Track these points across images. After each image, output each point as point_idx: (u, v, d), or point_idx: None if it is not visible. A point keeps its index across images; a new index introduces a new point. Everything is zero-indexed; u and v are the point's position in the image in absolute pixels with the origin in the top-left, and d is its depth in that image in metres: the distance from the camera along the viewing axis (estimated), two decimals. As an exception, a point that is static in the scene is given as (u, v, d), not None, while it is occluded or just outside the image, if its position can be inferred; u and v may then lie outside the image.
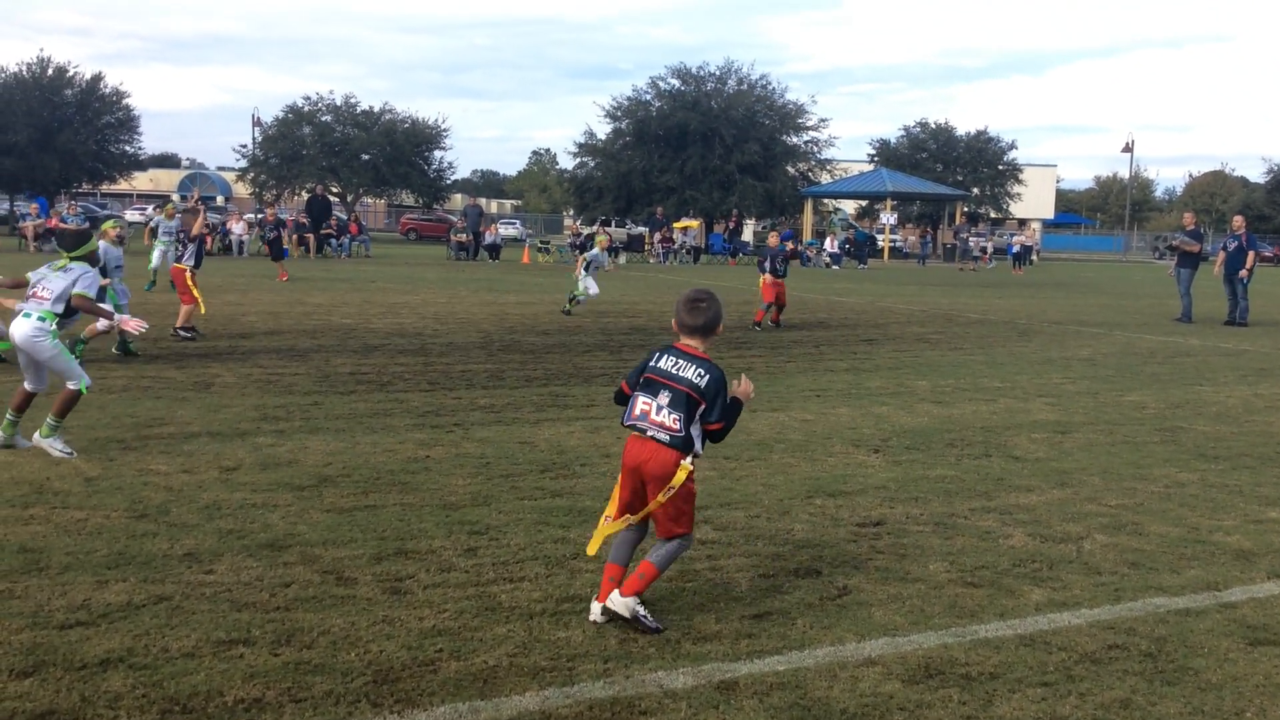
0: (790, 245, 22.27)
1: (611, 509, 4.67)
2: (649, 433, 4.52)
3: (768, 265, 17.15)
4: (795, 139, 57.93)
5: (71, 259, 7.51)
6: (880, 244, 53.29)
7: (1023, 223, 67.01)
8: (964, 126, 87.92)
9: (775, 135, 56.38)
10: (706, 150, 54.16)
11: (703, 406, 4.48)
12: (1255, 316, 20.62)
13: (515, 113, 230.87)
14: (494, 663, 4.13)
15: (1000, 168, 67.64)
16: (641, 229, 47.95)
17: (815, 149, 58.45)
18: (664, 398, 4.49)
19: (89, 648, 4.12)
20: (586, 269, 19.01)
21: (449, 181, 65.31)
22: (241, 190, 64.24)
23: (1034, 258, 52.73)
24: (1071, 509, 6.57)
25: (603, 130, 58.59)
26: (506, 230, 60.61)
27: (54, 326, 7.16)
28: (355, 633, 4.37)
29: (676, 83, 57.00)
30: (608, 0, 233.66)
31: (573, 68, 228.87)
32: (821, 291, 25.53)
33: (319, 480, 6.74)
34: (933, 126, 68.87)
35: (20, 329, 7.10)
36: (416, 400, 9.75)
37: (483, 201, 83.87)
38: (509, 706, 3.78)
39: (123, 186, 65.32)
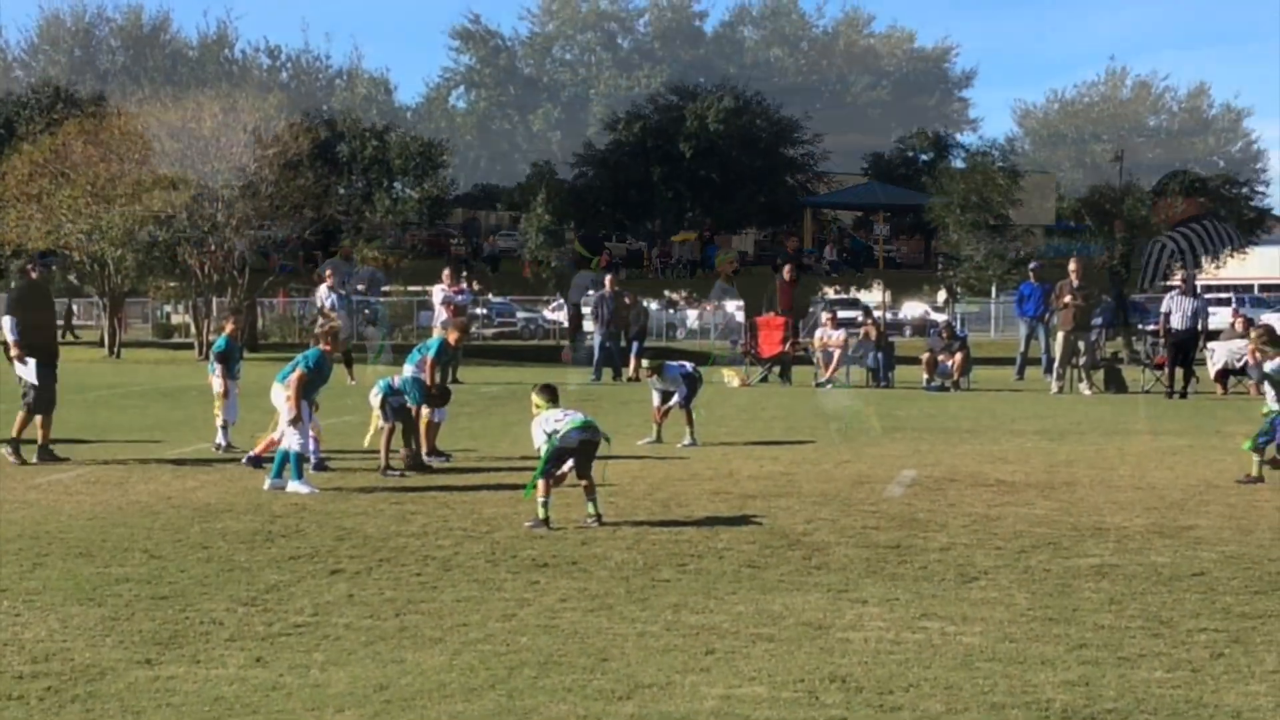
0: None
1: None
2: None
3: None
4: (792, 151, 58.73)
5: None
6: (875, 254, 54.05)
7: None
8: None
9: (772, 148, 57.08)
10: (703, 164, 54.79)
11: None
12: None
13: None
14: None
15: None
16: (640, 245, 48.76)
17: (811, 162, 59.33)
18: None
19: None
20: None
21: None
22: None
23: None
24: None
25: (602, 140, 59.22)
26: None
27: None
28: None
29: (674, 98, 57.85)
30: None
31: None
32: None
33: None
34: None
35: None
36: None
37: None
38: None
39: None
